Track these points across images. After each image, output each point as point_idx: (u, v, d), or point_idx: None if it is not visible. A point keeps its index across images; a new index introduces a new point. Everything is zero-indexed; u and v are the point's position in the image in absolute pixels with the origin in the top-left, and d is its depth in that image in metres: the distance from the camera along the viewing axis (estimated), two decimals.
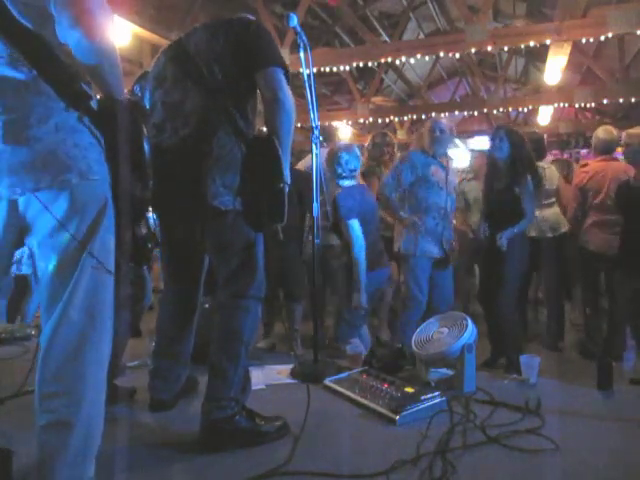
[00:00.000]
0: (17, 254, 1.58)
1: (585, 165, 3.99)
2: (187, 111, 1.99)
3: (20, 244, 1.45)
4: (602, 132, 3.82)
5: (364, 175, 4.04)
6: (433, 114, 11.07)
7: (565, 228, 3.90)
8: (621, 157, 3.95)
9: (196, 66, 2.00)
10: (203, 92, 1.98)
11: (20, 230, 1.40)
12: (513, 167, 3.24)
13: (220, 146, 1.95)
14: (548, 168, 4.01)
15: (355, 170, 3.48)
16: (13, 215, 1.37)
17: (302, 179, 3.31)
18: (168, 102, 2.06)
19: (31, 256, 1.44)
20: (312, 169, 2.91)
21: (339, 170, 3.43)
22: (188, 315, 2.32)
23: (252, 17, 2.10)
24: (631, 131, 3.66)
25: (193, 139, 1.98)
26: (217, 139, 1.94)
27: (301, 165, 4.18)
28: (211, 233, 2.07)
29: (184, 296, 2.31)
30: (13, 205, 1.36)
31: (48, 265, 1.37)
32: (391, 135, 4.50)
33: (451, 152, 4.16)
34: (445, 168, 3.50)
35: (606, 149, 3.79)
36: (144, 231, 2.22)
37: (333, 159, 3.46)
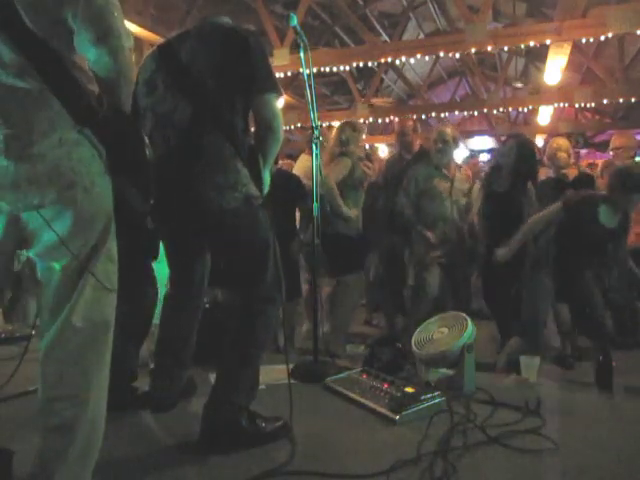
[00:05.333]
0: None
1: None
2: (175, 121, 1.97)
3: (18, 250, 1.43)
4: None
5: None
6: (433, 114, 11.09)
7: None
8: None
9: (188, 77, 1.99)
10: (193, 103, 1.97)
11: (19, 242, 1.38)
12: (516, 174, 3.33)
13: (208, 150, 1.95)
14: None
15: None
16: (13, 228, 1.35)
17: (287, 179, 3.43)
18: (159, 112, 2.03)
19: (30, 260, 1.42)
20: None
21: None
22: (190, 317, 2.32)
23: (248, 28, 2.08)
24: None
25: (181, 147, 1.97)
26: (205, 144, 1.95)
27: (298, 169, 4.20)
28: (212, 236, 2.07)
29: (186, 298, 2.31)
30: (14, 219, 1.34)
31: (50, 276, 1.37)
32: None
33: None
34: (450, 177, 3.57)
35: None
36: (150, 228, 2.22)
37: None
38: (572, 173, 4.11)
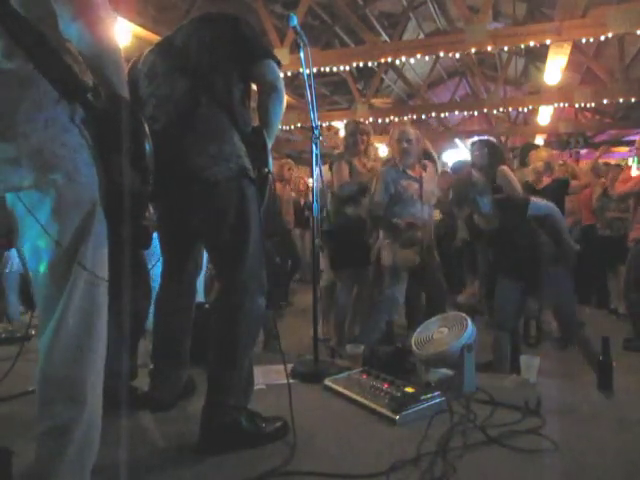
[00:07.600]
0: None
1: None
2: (174, 99, 2.02)
3: (7, 244, 1.42)
4: None
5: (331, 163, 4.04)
6: (433, 114, 11.10)
7: None
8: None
9: (183, 57, 2.06)
10: (189, 79, 2.02)
11: (7, 229, 1.36)
12: (489, 172, 3.38)
13: (202, 121, 1.98)
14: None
15: None
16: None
17: None
18: (159, 95, 2.08)
19: (20, 257, 1.40)
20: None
21: None
22: (184, 314, 2.31)
23: (237, 14, 2.14)
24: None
25: (177, 120, 2.00)
26: (199, 115, 1.98)
27: None
28: (202, 209, 2.01)
29: (180, 295, 2.30)
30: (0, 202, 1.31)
31: (39, 270, 1.34)
32: (364, 124, 4.39)
33: (450, 153, 4.20)
34: (418, 178, 3.52)
35: None
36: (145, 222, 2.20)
37: None
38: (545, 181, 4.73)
